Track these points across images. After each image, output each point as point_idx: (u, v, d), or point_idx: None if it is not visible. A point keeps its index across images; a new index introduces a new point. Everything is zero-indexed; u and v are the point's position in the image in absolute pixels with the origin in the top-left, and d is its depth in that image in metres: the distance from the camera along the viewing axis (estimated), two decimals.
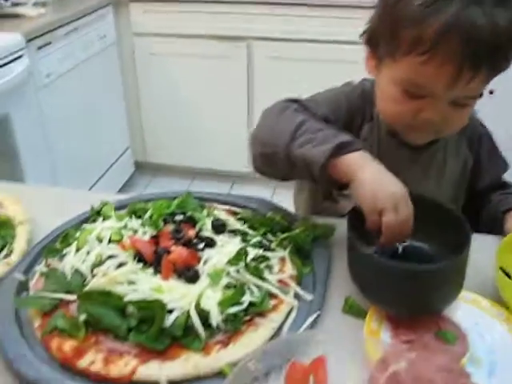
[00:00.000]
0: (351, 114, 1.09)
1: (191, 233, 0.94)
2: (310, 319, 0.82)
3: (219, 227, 0.96)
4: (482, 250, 0.92)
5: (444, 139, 1.11)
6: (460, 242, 0.82)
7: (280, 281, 0.88)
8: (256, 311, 0.81)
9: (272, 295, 0.85)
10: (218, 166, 3.21)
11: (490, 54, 0.86)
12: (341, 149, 0.85)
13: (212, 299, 0.81)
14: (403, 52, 0.90)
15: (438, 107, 0.93)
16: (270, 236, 0.96)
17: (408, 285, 0.78)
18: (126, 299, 0.80)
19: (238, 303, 0.81)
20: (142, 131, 3.20)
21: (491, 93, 2.55)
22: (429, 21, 0.85)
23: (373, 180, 0.83)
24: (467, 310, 0.87)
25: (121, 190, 3.09)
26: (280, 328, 0.82)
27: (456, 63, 0.85)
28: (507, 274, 0.90)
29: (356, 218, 0.87)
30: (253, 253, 0.89)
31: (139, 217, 1.02)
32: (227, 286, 0.84)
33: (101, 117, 2.88)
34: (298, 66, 2.82)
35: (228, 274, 0.85)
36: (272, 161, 0.95)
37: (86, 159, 2.76)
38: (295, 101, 1.03)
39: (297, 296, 0.87)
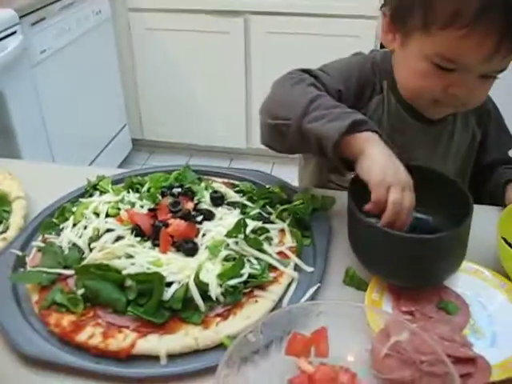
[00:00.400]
0: (361, 85, 1.07)
1: (189, 205, 0.92)
2: (311, 291, 0.81)
3: (217, 200, 0.94)
4: (485, 221, 0.91)
5: (452, 114, 1.09)
6: (463, 214, 0.81)
7: (280, 253, 0.87)
8: (256, 283, 0.81)
9: (272, 267, 0.84)
10: (216, 142, 3.18)
11: None
12: (355, 126, 0.84)
13: (211, 272, 0.80)
14: (440, 25, 0.87)
15: (467, 81, 0.92)
16: (269, 208, 0.95)
17: (409, 254, 0.77)
18: (124, 273, 0.79)
19: (238, 275, 0.80)
20: (138, 108, 3.17)
21: None
22: None
23: (383, 157, 0.82)
24: (469, 281, 0.86)
25: (118, 168, 3.07)
26: (280, 300, 0.82)
27: (496, 37, 0.84)
28: (509, 244, 0.89)
29: (356, 190, 0.86)
30: (252, 225, 0.88)
31: (137, 190, 1.01)
32: (226, 259, 0.83)
33: (97, 94, 2.84)
34: (296, 41, 2.78)
35: (227, 246, 0.84)
36: (282, 133, 0.92)
37: (83, 137, 2.74)
38: (307, 71, 1.01)
39: (297, 268, 0.87)
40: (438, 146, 1.11)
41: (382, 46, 2.79)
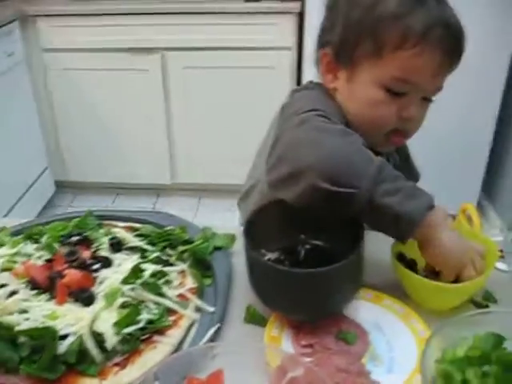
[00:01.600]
0: None
1: (87, 254, 0.91)
2: (211, 332, 0.81)
3: (116, 245, 0.94)
4: (383, 245, 0.94)
5: None
6: (357, 241, 0.83)
7: (180, 295, 0.87)
8: (154, 329, 0.80)
9: (172, 311, 0.84)
10: (141, 179, 3.16)
11: (460, 44, 0.95)
12: (431, 206, 0.84)
13: (107, 321, 0.79)
14: (391, 49, 0.93)
15: (417, 103, 0.98)
16: (168, 250, 0.95)
17: (301, 289, 0.79)
18: (17, 329, 0.77)
19: (135, 322, 0.79)
20: (59, 149, 3.12)
21: None
22: (415, 15, 0.91)
23: (451, 243, 0.85)
24: (369, 308, 0.88)
25: (42, 212, 3.00)
26: (181, 343, 0.81)
27: (442, 51, 0.92)
28: (408, 260, 0.92)
29: (254, 224, 0.88)
30: (151, 269, 0.88)
31: (36, 241, 0.99)
32: (123, 306, 0.82)
33: (15, 138, 2.77)
34: (213, 74, 2.82)
35: (123, 293, 0.83)
36: (343, 200, 0.82)
37: (2, 182, 2.66)
38: (327, 117, 0.92)
39: (199, 309, 0.87)
40: None
41: (299, 76, 2.85)
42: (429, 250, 0.85)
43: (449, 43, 0.93)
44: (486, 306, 0.89)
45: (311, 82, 1.13)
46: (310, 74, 2.79)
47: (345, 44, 0.98)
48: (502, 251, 0.96)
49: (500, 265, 0.96)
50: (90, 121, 3.01)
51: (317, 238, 0.94)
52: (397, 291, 0.91)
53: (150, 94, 2.91)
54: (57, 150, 3.12)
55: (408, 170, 1.25)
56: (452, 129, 2.66)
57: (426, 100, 1.00)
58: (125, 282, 0.84)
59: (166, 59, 2.84)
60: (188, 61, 2.83)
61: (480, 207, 2.96)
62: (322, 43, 1.04)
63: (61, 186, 3.23)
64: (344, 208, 0.82)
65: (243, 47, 2.77)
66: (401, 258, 0.93)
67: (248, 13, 2.70)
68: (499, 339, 0.74)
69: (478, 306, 0.89)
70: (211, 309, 0.86)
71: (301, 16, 2.64)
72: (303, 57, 2.68)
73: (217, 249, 0.97)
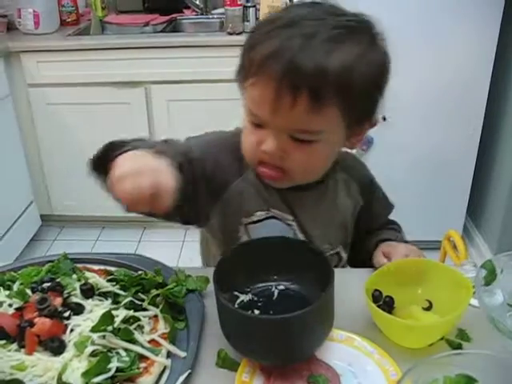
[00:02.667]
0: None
1: (58, 301, 0.90)
2: (181, 379, 0.81)
3: (88, 291, 0.93)
4: (356, 284, 0.94)
5: (333, 179, 1.12)
6: (327, 281, 0.83)
7: (152, 340, 0.86)
8: (124, 377, 0.79)
9: (143, 357, 0.83)
10: (127, 212, 3.14)
11: (311, 86, 0.86)
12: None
13: (76, 370, 0.79)
14: (244, 77, 0.93)
15: (277, 139, 0.93)
16: (141, 295, 0.94)
17: (269, 335, 0.79)
18: None
19: (105, 371, 0.78)
20: (45, 183, 3.11)
21: (384, 119, 2.65)
22: (261, 46, 0.89)
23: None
24: (341, 350, 0.88)
25: (27, 246, 2.98)
26: None
27: (274, 86, 0.87)
28: (382, 297, 0.92)
29: (226, 266, 0.88)
30: (122, 314, 0.87)
31: (8, 287, 0.98)
32: (93, 354, 0.81)
33: (0, 172, 2.77)
34: (197, 106, 2.83)
35: (93, 341, 0.82)
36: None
37: None
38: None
39: (170, 354, 0.86)
40: (320, 210, 1.12)
41: None
42: None
43: (284, 79, 0.86)
44: (460, 345, 0.89)
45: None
46: None
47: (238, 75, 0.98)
48: (473, 287, 0.96)
49: (473, 301, 0.96)
50: (75, 154, 3.00)
51: (289, 279, 0.94)
52: (370, 330, 0.91)
53: (134, 127, 2.92)
54: (42, 183, 3.11)
55: (386, 205, 1.26)
56: (434, 149, 2.69)
57: (302, 141, 0.93)
58: (95, 329, 0.84)
59: (150, 92, 2.86)
60: (172, 93, 2.84)
61: (466, 232, 2.97)
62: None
63: (46, 220, 3.22)
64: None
65: (226, 79, 2.78)
66: (378, 295, 0.93)
67: (231, 45, 2.72)
68: (470, 381, 0.74)
69: (452, 345, 0.89)
70: (183, 354, 0.85)
71: None
72: None
73: (190, 292, 0.97)
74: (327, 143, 0.95)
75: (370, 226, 1.22)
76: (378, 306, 0.90)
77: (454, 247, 2.09)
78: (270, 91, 0.87)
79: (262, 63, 0.88)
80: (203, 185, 1.06)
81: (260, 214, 1.08)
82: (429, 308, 0.94)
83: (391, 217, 1.28)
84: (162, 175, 0.81)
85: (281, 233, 1.02)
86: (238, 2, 2.74)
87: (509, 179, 2.55)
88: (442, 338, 0.90)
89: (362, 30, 0.94)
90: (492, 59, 2.49)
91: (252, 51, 0.91)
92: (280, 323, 0.78)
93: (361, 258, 1.16)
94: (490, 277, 0.93)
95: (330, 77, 0.87)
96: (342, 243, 1.16)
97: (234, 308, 0.82)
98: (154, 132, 2.93)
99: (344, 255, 1.17)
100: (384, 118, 2.64)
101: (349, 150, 1.13)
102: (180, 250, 2.99)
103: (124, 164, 0.83)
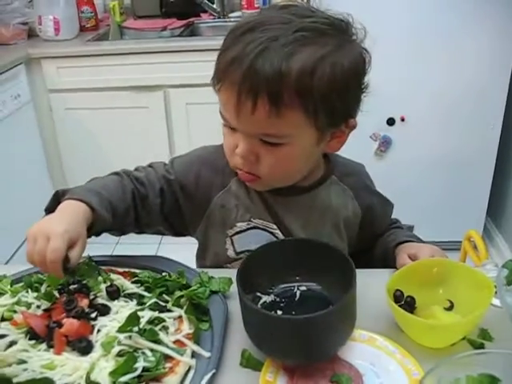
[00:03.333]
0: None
1: (85, 302, 0.92)
2: (206, 378, 0.82)
3: (113, 293, 0.95)
4: (377, 285, 0.95)
5: (326, 185, 1.12)
6: (349, 280, 0.84)
7: (177, 341, 0.88)
8: (150, 376, 0.81)
9: (169, 357, 0.85)
10: None
11: (270, 91, 0.87)
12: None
13: (104, 370, 0.80)
14: (215, 83, 0.96)
15: (248, 143, 0.96)
16: (165, 296, 0.96)
17: (294, 335, 0.80)
18: (15, 380, 0.78)
19: (131, 371, 0.80)
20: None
21: (403, 120, 2.66)
22: (226, 52, 0.92)
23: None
24: (363, 350, 0.89)
25: None
26: None
27: (236, 90, 0.89)
28: (403, 297, 0.93)
29: (249, 267, 0.89)
30: (148, 315, 0.89)
31: (36, 289, 1.00)
32: (120, 354, 0.83)
33: (22, 179, 2.80)
34: (215, 110, 2.84)
35: (120, 341, 0.84)
36: None
37: (8, 224, 2.68)
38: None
39: (195, 354, 0.87)
40: (310, 217, 1.12)
41: None
42: None
43: (243, 84, 0.88)
44: (482, 345, 0.89)
45: None
46: None
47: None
48: (495, 287, 0.97)
49: (495, 301, 0.96)
50: (95, 159, 3.05)
51: (311, 280, 0.95)
52: (392, 330, 0.92)
53: (153, 131, 2.95)
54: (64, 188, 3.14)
55: (387, 209, 1.25)
56: (453, 150, 2.68)
57: (272, 144, 0.95)
58: (121, 329, 0.85)
59: (169, 96, 2.88)
60: (190, 97, 2.86)
61: (486, 232, 2.95)
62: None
63: None
64: None
65: None
66: (399, 295, 0.94)
67: None
68: (493, 381, 0.75)
69: (474, 344, 0.90)
70: (207, 354, 0.87)
71: None
72: None
73: (214, 293, 0.98)
74: (297, 146, 0.96)
75: (373, 233, 1.23)
76: (400, 306, 0.90)
77: (475, 247, 2.08)
78: (233, 96, 0.90)
79: (226, 69, 0.91)
80: (187, 202, 1.13)
81: (241, 225, 1.11)
82: (450, 308, 0.94)
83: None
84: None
85: (266, 242, 1.02)
86: (255, 5, 2.75)
87: None
88: (463, 338, 0.90)
89: (330, 31, 0.93)
90: (510, 62, 2.48)
91: (219, 57, 0.94)
92: (302, 323, 0.79)
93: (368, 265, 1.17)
94: None
95: (289, 80, 0.87)
96: (342, 244, 1.17)
97: (257, 308, 0.83)
98: (172, 135, 2.96)
99: None
100: (403, 119, 2.66)
101: (352, 159, 1.17)
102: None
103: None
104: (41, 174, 3.03)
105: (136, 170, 1.17)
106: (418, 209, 2.72)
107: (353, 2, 2.35)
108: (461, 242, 2.15)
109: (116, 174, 1.14)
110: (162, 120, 2.93)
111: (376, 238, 1.22)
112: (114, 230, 1.13)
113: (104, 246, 3.10)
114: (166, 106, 2.90)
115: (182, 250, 3.03)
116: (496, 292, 0.91)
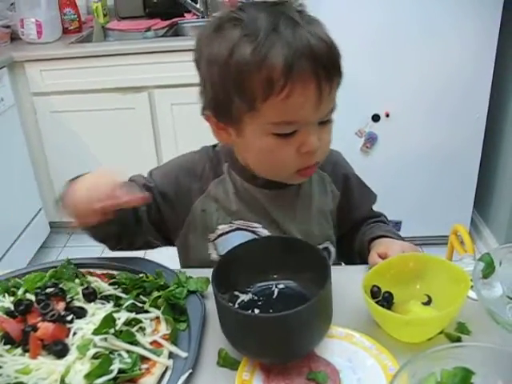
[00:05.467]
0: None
1: (61, 305, 0.92)
2: (183, 378, 0.82)
3: (90, 295, 0.94)
4: (353, 281, 0.94)
5: None
6: (324, 277, 0.84)
7: (154, 342, 0.88)
8: (126, 378, 0.81)
9: (146, 358, 0.85)
10: None
11: (334, 64, 0.91)
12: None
13: (79, 373, 0.80)
14: (262, 99, 0.90)
15: (313, 133, 0.94)
16: (143, 297, 0.96)
17: (270, 333, 0.80)
18: None
19: (107, 373, 0.80)
20: (52, 191, 3.13)
21: (387, 116, 2.66)
22: (270, 59, 0.87)
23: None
24: (340, 346, 0.89)
25: (37, 254, 3.01)
26: None
27: (314, 83, 0.89)
28: (379, 292, 0.93)
29: (226, 266, 0.89)
30: (124, 317, 0.89)
31: (13, 294, 0.99)
32: (96, 357, 0.82)
33: (8, 181, 2.80)
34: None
35: (95, 344, 0.84)
36: None
37: None
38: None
39: (173, 355, 0.87)
40: (297, 207, 1.13)
41: None
42: None
43: (320, 72, 0.88)
44: (459, 338, 0.90)
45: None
46: None
47: (218, 105, 0.97)
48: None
49: (472, 294, 0.97)
50: (81, 161, 3.03)
51: (289, 278, 0.95)
52: (369, 326, 0.92)
53: (139, 133, 2.95)
54: (50, 191, 3.13)
55: (366, 194, 1.25)
56: (439, 144, 2.68)
57: (324, 123, 0.97)
58: (97, 332, 0.85)
59: (154, 97, 2.88)
60: (175, 97, 2.86)
61: (474, 226, 2.96)
62: (203, 106, 1.02)
63: (55, 227, 3.25)
64: None
65: None
66: (376, 291, 0.94)
67: None
68: (467, 374, 0.74)
69: (451, 338, 0.90)
70: (184, 354, 0.87)
71: None
72: None
73: (191, 293, 0.98)
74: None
75: (351, 218, 1.22)
76: (377, 302, 0.90)
77: (462, 242, 2.08)
78: (312, 89, 0.89)
79: (289, 69, 0.87)
80: (168, 210, 1.12)
81: (223, 228, 1.11)
82: (428, 303, 0.95)
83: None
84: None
85: None
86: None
87: None
88: (441, 332, 0.90)
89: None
90: (493, 54, 2.48)
91: (262, 68, 0.88)
92: (277, 321, 0.79)
93: (350, 255, 1.17)
94: (489, 269, 0.94)
95: (336, 50, 0.92)
96: (327, 238, 1.17)
97: (231, 307, 0.83)
98: (158, 136, 2.95)
99: (332, 249, 1.18)
100: (387, 115, 2.66)
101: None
102: None
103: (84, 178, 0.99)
104: (26, 177, 3.01)
105: None
106: (406, 204, 2.73)
107: (338, 4, 2.37)
108: (448, 236, 2.15)
109: None
110: (148, 121, 2.92)
111: (356, 225, 1.22)
112: (113, 235, 1.12)
113: (93, 248, 3.12)
114: (151, 107, 2.90)
115: (171, 251, 3.04)
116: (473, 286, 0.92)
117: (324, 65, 0.89)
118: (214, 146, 1.17)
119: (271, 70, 0.87)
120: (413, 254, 1.00)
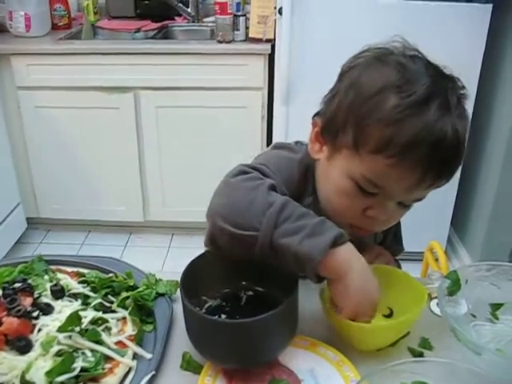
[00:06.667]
0: (299, 187, 1.03)
1: (28, 301, 0.92)
2: (145, 379, 0.82)
3: (58, 292, 0.94)
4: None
5: None
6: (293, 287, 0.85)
7: (119, 342, 0.88)
8: (88, 377, 0.81)
9: (110, 358, 0.85)
10: (114, 217, 3.15)
11: (451, 167, 0.89)
12: (335, 244, 0.82)
13: (41, 369, 0.80)
14: (370, 150, 0.87)
15: (387, 207, 0.92)
16: (111, 297, 0.96)
17: (233, 339, 0.81)
18: None
19: (69, 371, 0.80)
20: (32, 186, 3.11)
21: None
22: (403, 125, 0.84)
23: (359, 286, 0.85)
24: (304, 356, 0.90)
25: (13, 249, 2.98)
26: None
27: (421, 171, 0.86)
28: None
29: (195, 271, 0.89)
30: (91, 315, 0.89)
31: None
32: (59, 354, 0.82)
33: None
34: (185, 114, 2.86)
35: (59, 341, 0.84)
36: (247, 243, 0.84)
37: None
38: (256, 169, 0.94)
39: (137, 356, 0.87)
40: None
41: (270, 117, 2.88)
42: (333, 286, 0.87)
43: (435, 165, 0.86)
44: (421, 353, 0.91)
45: (296, 143, 1.10)
46: (281, 114, 2.79)
47: (332, 123, 0.93)
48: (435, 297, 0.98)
49: (436, 309, 0.98)
50: (62, 158, 3.03)
51: (258, 285, 0.96)
52: (334, 336, 0.93)
53: (122, 133, 2.94)
54: (29, 186, 3.11)
55: (394, 243, 1.24)
56: None
57: (404, 205, 0.95)
58: (62, 329, 0.85)
59: (139, 98, 2.87)
60: (161, 100, 2.86)
61: (450, 243, 2.99)
62: (320, 110, 0.98)
63: (33, 223, 3.22)
64: (251, 249, 0.84)
65: (215, 87, 2.81)
66: None
67: (220, 54, 2.76)
68: None
69: (413, 353, 0.91)
70: (149, 356, 0.87)
71: (271, 57, 2.69)
72: (274, 97, 2.73)
73: (161, 295, 0.98)
74: None
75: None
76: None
77: (437, 259, 2.10)
78: (415, 175, 0.86)
79: (410, 146, 0.84)
80: None
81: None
82: (389, 315, 0.96)
83: None
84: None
85: None
86: (228, 11, 2.76)
87: (492, 192, 2.58)
88: (395, 343, 0.92)
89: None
90: (479, 64, 2.50)
91: (390, 128, 0.85)
92: (240, 327, 0.79)
93: None
94: (454, 287, 0.95)
95: (462, 153, 0.89)
96: None
97: (196, 311, 0.84)
98: (142, 137, 2.95)
99: None
100: None
101: None
102: (165, 255, 3.00)
103: (355, 302, 0.86)
104: (6, 171, 2.99)
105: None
106: None
107: (325, 9, 2.37)
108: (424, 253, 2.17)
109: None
110: (132, 122, 2.91)
111: None
112: None
113: (70, 246, 3.10)
114: (136, 108, 2.89)
115: (149, 253, 3.04)
116: (432, 300, 0.93)
117: (443, 162, 0.87)
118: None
119: (397, 135, 0.84)
120: (378, 266, 1.00)
